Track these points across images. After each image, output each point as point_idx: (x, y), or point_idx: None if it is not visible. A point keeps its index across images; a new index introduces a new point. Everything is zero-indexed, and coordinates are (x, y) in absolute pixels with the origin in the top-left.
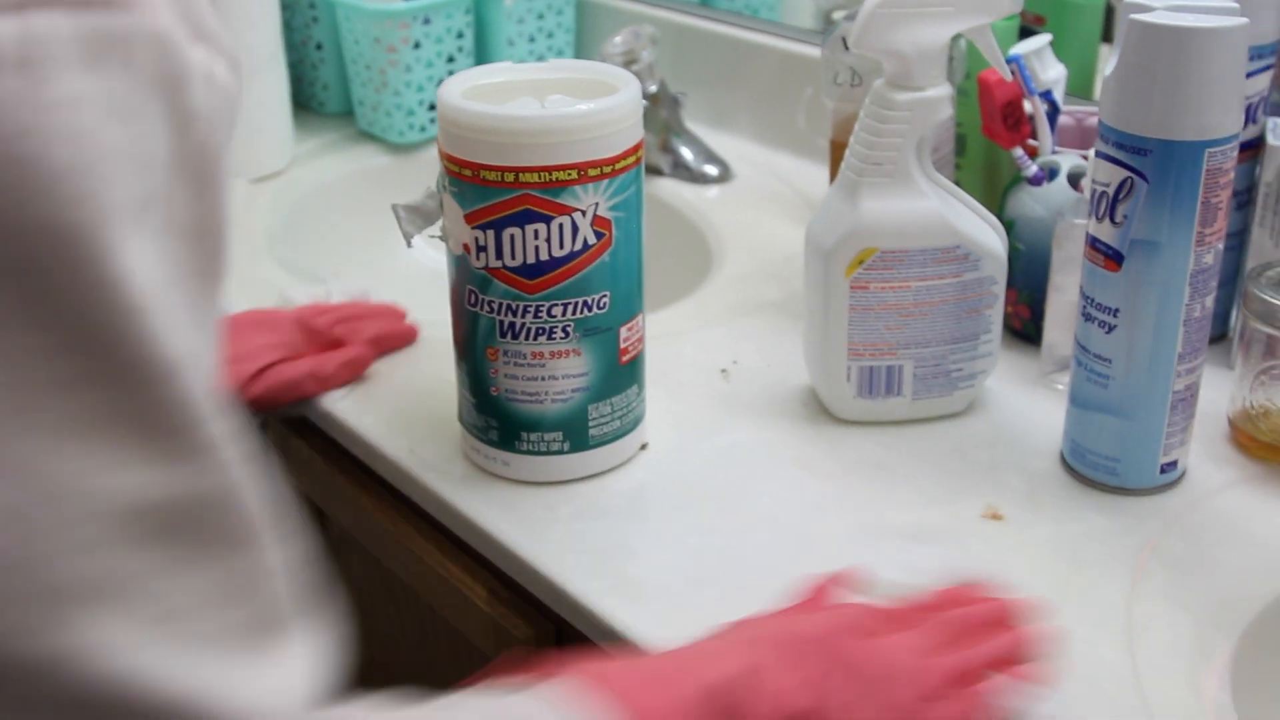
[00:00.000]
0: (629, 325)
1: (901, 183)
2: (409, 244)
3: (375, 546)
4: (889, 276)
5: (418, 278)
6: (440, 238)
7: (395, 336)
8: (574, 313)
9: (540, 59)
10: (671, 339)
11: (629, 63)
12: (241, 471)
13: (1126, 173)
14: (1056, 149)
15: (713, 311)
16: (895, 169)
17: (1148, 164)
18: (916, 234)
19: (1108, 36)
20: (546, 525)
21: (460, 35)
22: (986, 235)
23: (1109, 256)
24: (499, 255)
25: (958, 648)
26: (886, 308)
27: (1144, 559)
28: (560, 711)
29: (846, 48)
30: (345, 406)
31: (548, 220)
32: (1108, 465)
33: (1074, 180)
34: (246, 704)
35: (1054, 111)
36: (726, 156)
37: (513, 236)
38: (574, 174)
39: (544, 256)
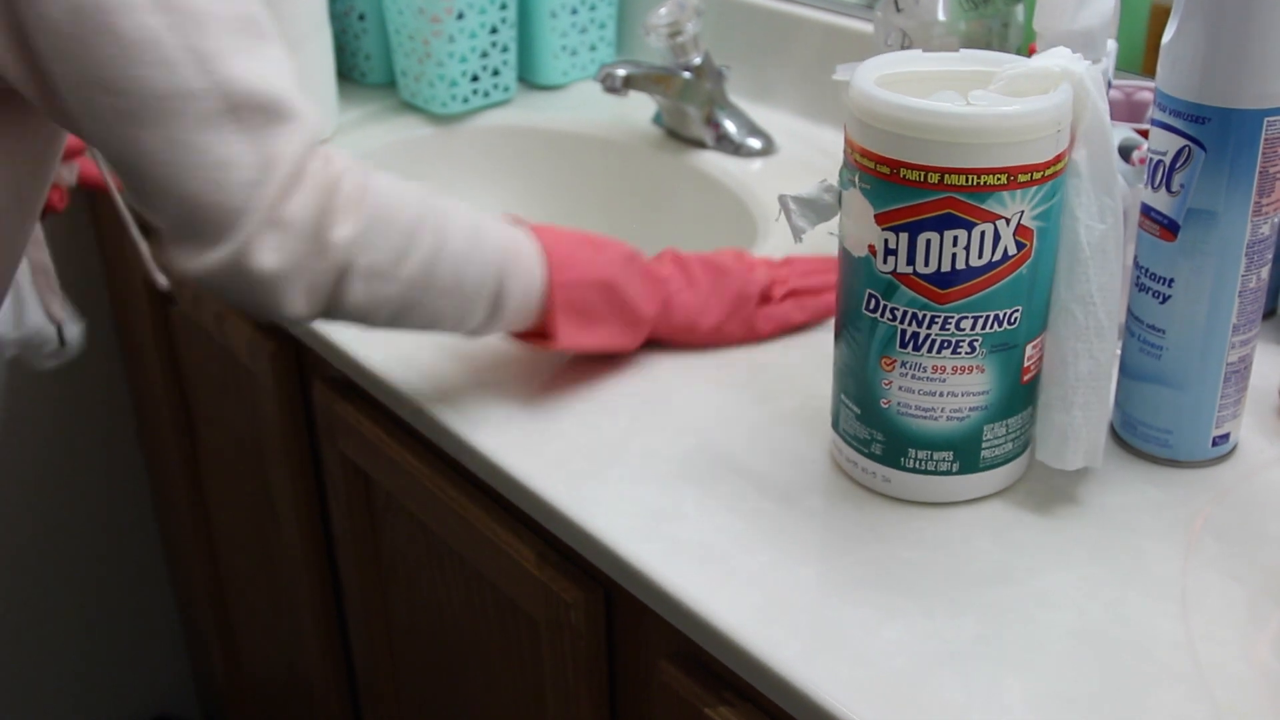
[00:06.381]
0: (1034, 343)
1: None
2: (798, 239)
3: (422, 511)
4: None
5: None
6: (836, 235)
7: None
8: (983, 327)
9: (596, 28)
10: None
11: (673, 35)
12: None
13: (1184, 141)
14: None
15: None
16: None
17: (1206, 132)
18: None
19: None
20: (597, 488)
21: (504, 6)
22: None
23: (1164, 226)
24: (910, 260)
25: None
26: None
27: (1196, 530)
28: (510, 228)
29: (899, 9)
30: (393, 369)
31: (969, 227)
32: (1160, 437)
33: (1125, 153)
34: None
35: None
36: (770, 130)
37: (929, 241)
38: (1003, 179)
39: (960, 265)
